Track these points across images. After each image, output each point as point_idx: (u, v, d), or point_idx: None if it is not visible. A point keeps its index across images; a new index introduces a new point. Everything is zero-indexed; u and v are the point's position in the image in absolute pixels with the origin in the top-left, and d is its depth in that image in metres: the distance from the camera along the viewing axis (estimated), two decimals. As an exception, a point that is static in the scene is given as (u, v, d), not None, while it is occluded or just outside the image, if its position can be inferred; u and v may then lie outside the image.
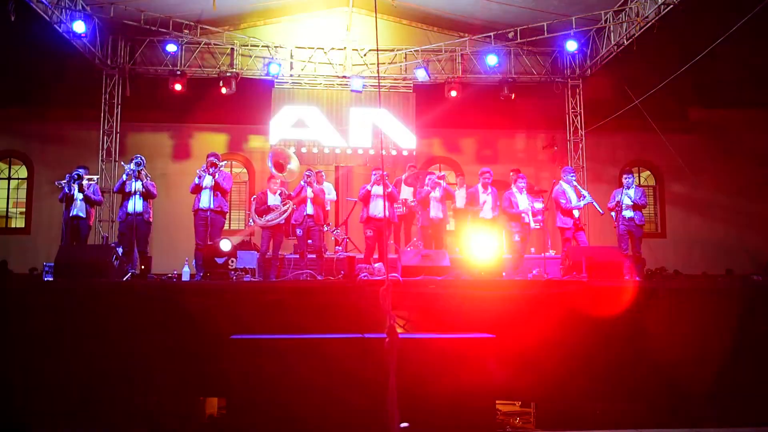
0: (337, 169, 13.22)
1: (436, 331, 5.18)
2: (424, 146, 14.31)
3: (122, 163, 8.93)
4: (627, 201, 8.62)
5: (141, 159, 8.47)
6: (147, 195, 8.37)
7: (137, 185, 8.26)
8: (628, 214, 8.62)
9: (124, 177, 8.37)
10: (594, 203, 8.75)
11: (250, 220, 9.89)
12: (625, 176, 8.87)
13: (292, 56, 12.50)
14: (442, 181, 8.97)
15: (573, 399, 5.58)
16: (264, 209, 8.79)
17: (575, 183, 8.97)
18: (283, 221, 8.79)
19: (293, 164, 9.89)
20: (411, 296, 5.58)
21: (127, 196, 8.32)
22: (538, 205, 9.40)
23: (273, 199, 8.85)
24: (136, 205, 8.21)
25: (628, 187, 8.68)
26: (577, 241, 8.68)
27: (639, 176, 15.70)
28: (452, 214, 10.55)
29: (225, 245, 6.50)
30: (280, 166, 9.68)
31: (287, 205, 8.78)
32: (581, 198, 8.75)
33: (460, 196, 10.14)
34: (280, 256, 9.04)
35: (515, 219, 8.70)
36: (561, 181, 8.96)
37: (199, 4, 11.01)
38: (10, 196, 14.60)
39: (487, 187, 8.89)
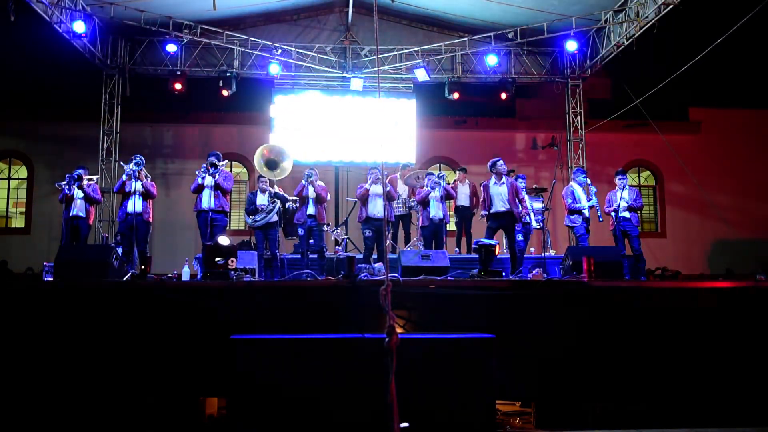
0: (337, 169, 13.22)
1: (436, 331, 5.18)
2: (424, 146, 14.31)
3: (122, 163, 8.94)
4: (623, 203, 8.61)
5: (141, 159, 8.47)
6: (147, 195, 8.37)
7: (137, 185, 8.27)
8: (624, 214, 8.60)
9: (124, 177, 8.37)
10: (597, 207, 8.81)
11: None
12: (618, 177, 8.82)
13: (291, 56, 12.50)
14: (441, 181, 8.95)
15: (573, 399, 5.58)
16: (252, 210, 8.82)
17: (588, 183, 8.98)
18: (273, 220, 8.78)
19: (287, 163, 9.84)
20: (411, 296, 5.57)
21: (126, 196, 8.32)
22: (538, 205, 9.42)
23: (261, 199, 8.85)
24: (135, 205, 8.22)
25: (623, 188, 8.66)
26: (579, 243, 8.72)
27: (639, 176, 15.73)
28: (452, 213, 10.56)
29: (224, 241, 6.53)
30: (273, 163, 9.67)
31: (274, 204, 8.77)
32: (588, 199, 8.82)
33: (463, 192, 10.13)
34: (279, 256, 9.03)
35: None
36: (572, 182, 9.01)
37: (199, 4, 11.01)
38: (10, 196, 14.62)
39: (501, 177, 8.36)
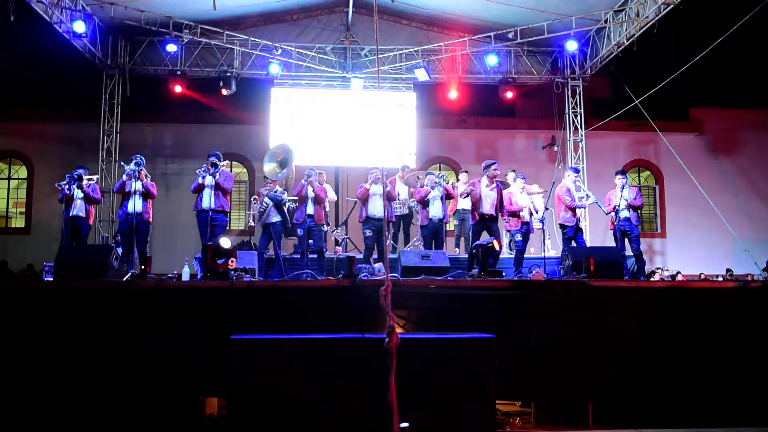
0: (337, 169, 13.23)
1: (436, 331, 5.18)
2: (424, 146, 14.33)
3: (122, 163, 8.94)
4: (623, 202, 8.60)
5: (141, 159, 8.48)
6: (147, 195, 8.38)
7: (137, 185, 8.28)
8: (624, 214, 8.60)
9: (124, 177, 8.37)
10: (598, 203, 8.81)
11: (250, 221, 9.93)
12: (618, 177, 8.82)
13: (291, 56, 12.50)
14: (442, 181, 8.94)
15: (573, 399, 5.58)
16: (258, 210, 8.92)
17: (579, 183, 8.99)
18: (271, 220, 8.79)
19: (290, 166, 9.85)
20: (411, 296, 5.57)
21: (127, 196, 8.33)
22: (540, 205, 9.41)
23: (265, 200, 8.91)
24: (135, 205, 8.23)
25: (623, 188, 8.65)
26: (576, 242, 8.70)
27: (639, 176, 15.73)
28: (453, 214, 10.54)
29: (225, 243, 6.52)
30: (285, 162, 9.69)
31: (266, 204, 8.80)
32: (587, 198, 8.83)
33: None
34: (281, 256, 9.02)
35: (515, 218, 8.70)
36: (565, 180, 9.02)
37: (199, 4, 11.01)
38: (10, 196, 14.62)
39: (493, 181, 8.38)
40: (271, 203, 8.82)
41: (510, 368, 5.18)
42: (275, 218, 8.83)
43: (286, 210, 9.06)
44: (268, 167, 9.68)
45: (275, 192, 8.88)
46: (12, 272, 11.66)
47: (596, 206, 9.03)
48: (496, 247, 6.92)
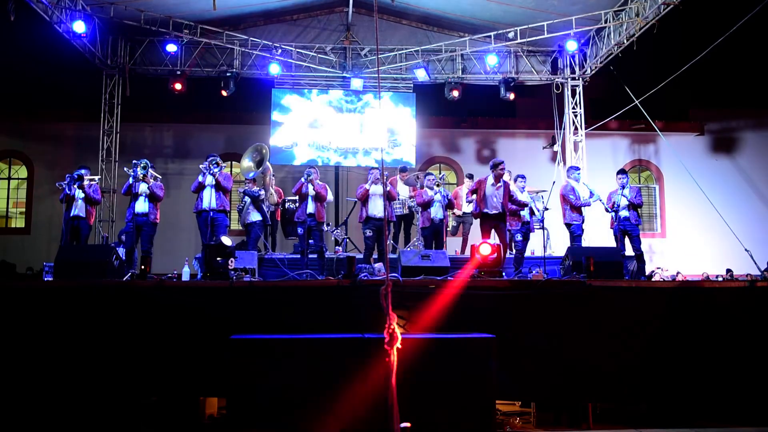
0: (337, 169, 13.23)
1: (436, 331, 5.18)
2: (424, 146, 14.32)
3: (125, 169, 8.97)
4: (623, 201, 8.61)
5: (147, 162, 8.56)
6: (153, 197, 8.46)
7: (143, 187, 8.39)
8: (623, 213, 8.60)
9: (131, 180, 8.45)
10: (601, 201, 8.84)
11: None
12: (619, 176, 8.82)
13: (291, 56, 12.50)
14: (441, 190, 8.92)
15: (574, 399, 5.58)
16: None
17: (583, 182, 8.99)
18: (251, 220, 8.79)
19: (265, 166, 9.84)
20: (411, 296, 5.57)
21: (134, 197, 8.42)
22: (539, 204, 9.41)
23: (245, 199, 8.97)
24: (141, 206, 8.39)
25: (623, 187, 8.66)
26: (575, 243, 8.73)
27: (639, 176, 15.73)
28: (456, 213, 10.51)
29: (227, 241, 6.55)
30: (261, 161, 9.71)
31: (243, 203, 8.83)
32: (590, 195, 8.84)
33: (466, 197, 10.07)
34: (263, 255, 9.05)
35: (516, 218, 8.70)
36: (569, 179, 9.02)
37: (199, 4, 11.01)
38: (10, 196, 14.61)
39: (499, 179, 8.31)
40: (249, 200, 8.86)
41: (510, 368, 5.18)
42: (255, 217, 8.83)
43: (264, 207, 9.09)
44: (244, 164, 9.68)
45: (251, 189, 8.94)
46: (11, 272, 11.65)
47: (595, 205, 9.02)
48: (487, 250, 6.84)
